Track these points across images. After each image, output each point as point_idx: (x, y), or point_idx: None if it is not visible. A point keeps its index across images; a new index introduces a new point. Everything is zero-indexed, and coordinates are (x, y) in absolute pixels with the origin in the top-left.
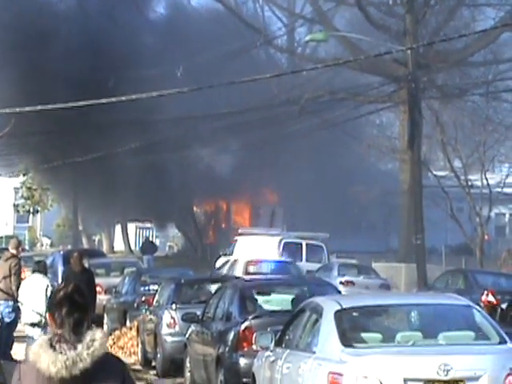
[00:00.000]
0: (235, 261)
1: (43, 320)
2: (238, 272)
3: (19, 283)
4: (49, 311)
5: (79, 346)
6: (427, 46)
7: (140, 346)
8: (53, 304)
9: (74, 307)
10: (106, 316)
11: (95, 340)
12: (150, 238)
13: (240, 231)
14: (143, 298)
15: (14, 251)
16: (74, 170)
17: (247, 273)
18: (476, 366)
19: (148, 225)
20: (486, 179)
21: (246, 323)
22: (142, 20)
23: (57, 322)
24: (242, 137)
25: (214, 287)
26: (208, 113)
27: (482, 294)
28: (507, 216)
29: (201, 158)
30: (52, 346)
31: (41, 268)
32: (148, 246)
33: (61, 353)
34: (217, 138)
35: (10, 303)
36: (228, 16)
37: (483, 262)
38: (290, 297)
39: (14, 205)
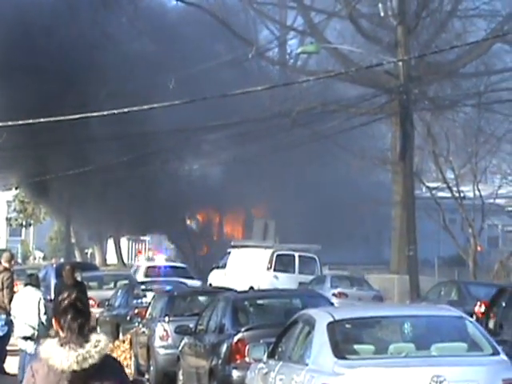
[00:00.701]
0: (138, 267)
1: (36, 333)
2: (140, 276)
3: (12, 296)
4: (55, 318)
5: (87, 345)
6: (419, 57)
7: (133, 358)
8: (58, 311)
9: (78, 313)
10: (98, 329)
11: (101, 341)
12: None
13: (233, 243)
14: (136, 311)
15: (6, 265)
16: (66, 184)
17: (147, 276)
18: (469, 378)
19: (141, 237)
20: (479, 190)
21: (239, 335)
22: (134, 32)
23: (63, 327)
24: (233, 149)
25: (206, 299)
26: (200, 125)
27: (475, 305)
28: (500, 227)
29: (193, 170)
30: (61, 345)
31: (33, 281)
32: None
33: (72, 350)
34: (209, 151)
35: (3, 316)
36: (220, 28)
37: (476, 274)
38: (282, 309)
39: (7, 218)
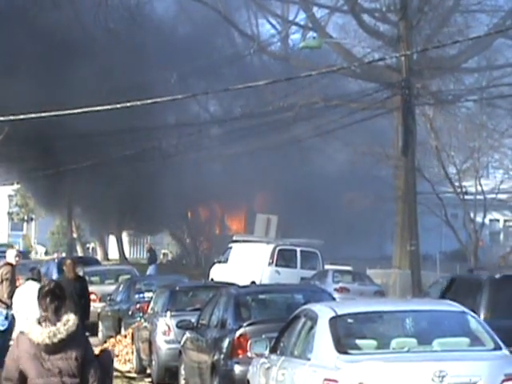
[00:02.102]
0: None
1: None
2: None
3: (12, 290)
4: (38, 300)
5: (58, 324)
6: (421, 52)
7: (135, 353)
8: (41, 295)
9: (55, 298)
10: (100, 324)
11: (69, 320)
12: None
13: (234, 238)
14: (138, 306)
15: (10, 260)
16: (68, 178)
17: None
18: (471, 373)
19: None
20: (481, 185)
21: (241, 330)
22: (135, 27)
23: (43, 307)
24: (236, 144)
25: (208, 294)
26: (203, 120)
27: None
28: (501, 222)
29: (195, 164)
30: (40, 323)
31: (35, 275)
32: (152, 256)
33: (46, 327)
34: (211, 145)
35: (4, 311)
36: (222, 23)
37: None
38: (284, 304)
39: (9, 213)
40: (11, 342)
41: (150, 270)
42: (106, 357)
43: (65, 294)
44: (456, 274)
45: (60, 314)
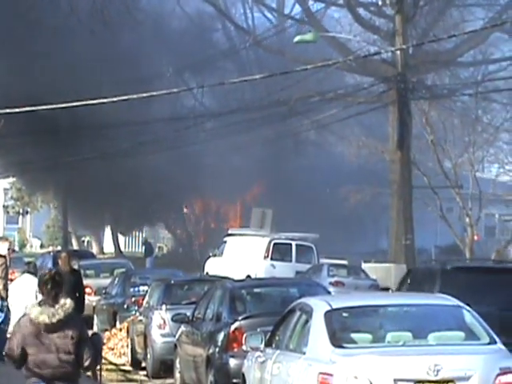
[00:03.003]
0: None
1: None
2: None
3: (6, 283)
4: (39, 286)
5: (56, 306)
6: (416, 46)
7: (130, 346)
8: (42, 282)
9: (54, 284)
10: (95, 317)
11: (66, 304)
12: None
13: (230, 232)
14: (133, 299)
15: (2, 252)
16: (63, 172)
17: None
18: (466, 366)
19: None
20: (476, 180)
21: (236, 324)
22: (131, 21)
23: (44, 292)
24: (231, 137)
25: (203, 288)
26: (198, 113)
27: None
28: (497, 216)
29: (190, 158)
30: (40, 306)
31: (31, 269)
32: (148, 248)
33: (46, 308)
34: (207, 139)
35: None
36: (218, 17)
37: None
38: (279, 297)
39: (4, 206)
40: (8, 335)
41: (148, 262)
42: (97, 338)
43: (63, 282)
44: (413, 266)
45: (58, 298)
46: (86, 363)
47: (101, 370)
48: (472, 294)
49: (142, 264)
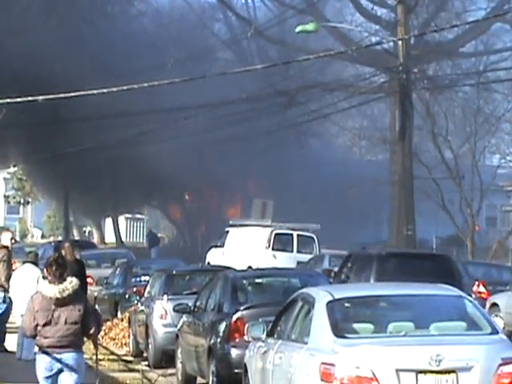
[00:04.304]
0: None
1: None
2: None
3: (9, 274)
4: (46, 268)
5: (65, 283)
6: (418, 36)
7: (131, 337)
8: (48, 264)
9: (59, 266)
10: (97, 307)
11: (73, 281)
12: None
13: (231, 222)
14: (134, 289)
15: (5, 243)
16: (63, 162)
17: None
18: (468, 357)
19: (139, 216)
20: (477, 170)
21: (238, 314)
22: (133, 12)
23: (51, 273)
24: (231, 128)
25: (205, 278)
26: (198, 104)
27: (473, 284)
28: (498, 207)
29: (190, 148)
30: (50, 283)
31: (32, 259)
32: (153, 239)
33: (56, 285)
34: (207, 129)
35: (1, 294)
36: (219, 7)
37: (474, 253)
38: (281, 288)
39: (5, 196)
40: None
41: (152, 253)
42: (97, 312)
43: (66, 263)
44: (352, 251)
45: (63, 277)
46: (91, 331)
47: (97, 353)
48: (402, 274)
49: (143, 254)
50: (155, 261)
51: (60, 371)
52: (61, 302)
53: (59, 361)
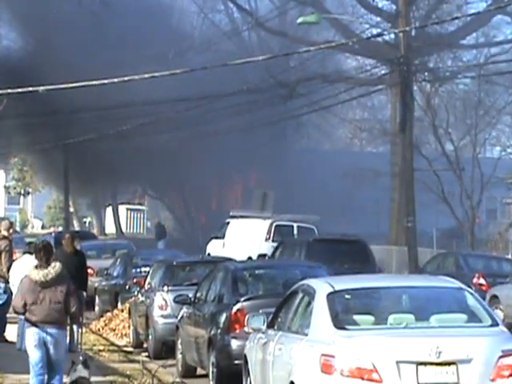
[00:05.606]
0: None
1: None
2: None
3: (10, 265)
4: (34, 254)
5: (49, 267)
6: (419, 28)
7: (132, 327)
8: (36, 250)
9: (46, 252)
10: (97, 298)
11: (56, 265)
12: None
13: (231, 213)
14: (135, 280)
15: (5, 233)
16: (64, 152)
17: None
18: (468, 349)
19: (139, 207)
20: (478, 162)
21: (238, 305)
22: (134, 4)
23: (38, 258)
24: (232, 119)
25: (205, 269)
26: (200, 95)
27: (473, 276)
28: (498, 199)
29: (190, 139)
30: (36, 268)
31: (32, 249)
32: (161, 231)
33: (41, 270)
34: (208, 121)
35: (2, 285)
36: None
37: (474, 245)
38: (281, 279)
39: (5, 186)
40: (8, 315)
41: (160, 245)
42: (81, 294)
43: (52, 250)
44: (284, 239)
45: (49, 262)
46: (73, 309)
47: (82, 331)
48: (327, 257)
49: (144, 245)
50: (155, 252)
51: (45, 343)
52: (45, 285)
53: (45, 332)
